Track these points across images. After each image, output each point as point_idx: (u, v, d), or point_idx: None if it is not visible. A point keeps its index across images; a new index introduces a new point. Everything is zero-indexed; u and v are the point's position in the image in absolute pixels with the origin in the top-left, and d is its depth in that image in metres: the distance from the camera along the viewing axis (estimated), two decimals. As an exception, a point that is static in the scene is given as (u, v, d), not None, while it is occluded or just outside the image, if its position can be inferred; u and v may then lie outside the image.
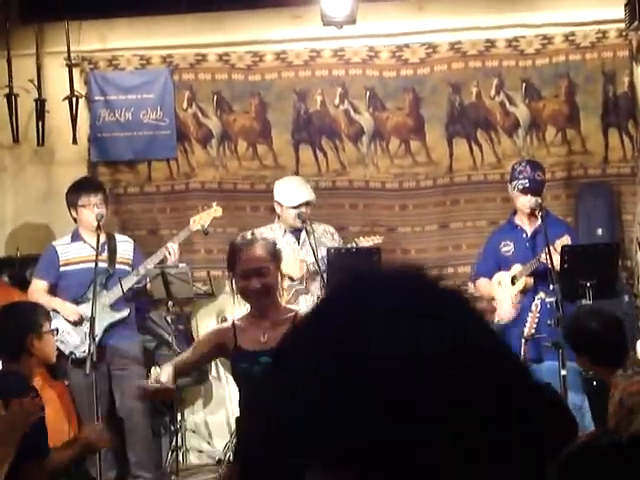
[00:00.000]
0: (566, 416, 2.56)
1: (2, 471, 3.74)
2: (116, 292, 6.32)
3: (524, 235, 6.01)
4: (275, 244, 4.08)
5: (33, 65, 7.25)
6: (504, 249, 6.08)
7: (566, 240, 5.72)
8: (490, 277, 6.10)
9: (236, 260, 3.87)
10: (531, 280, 5.89)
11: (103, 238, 6.37)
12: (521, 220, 6.05)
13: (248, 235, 6.21)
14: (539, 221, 5.81)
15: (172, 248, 6.37)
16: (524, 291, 5.90)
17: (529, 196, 5.89)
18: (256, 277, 3.81)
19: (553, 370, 5.31)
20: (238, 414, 4.07)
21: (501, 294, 5.94)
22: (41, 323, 4.47)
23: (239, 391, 4.00)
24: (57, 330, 5.03)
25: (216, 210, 6.61)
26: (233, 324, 3.95)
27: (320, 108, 7.31)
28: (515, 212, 6.11)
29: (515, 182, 5.93)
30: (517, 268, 5.93)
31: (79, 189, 6.50)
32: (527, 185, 5.87)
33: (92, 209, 6.33)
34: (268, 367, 3.58)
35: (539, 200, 5.81)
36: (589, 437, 1.86)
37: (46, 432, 4.40)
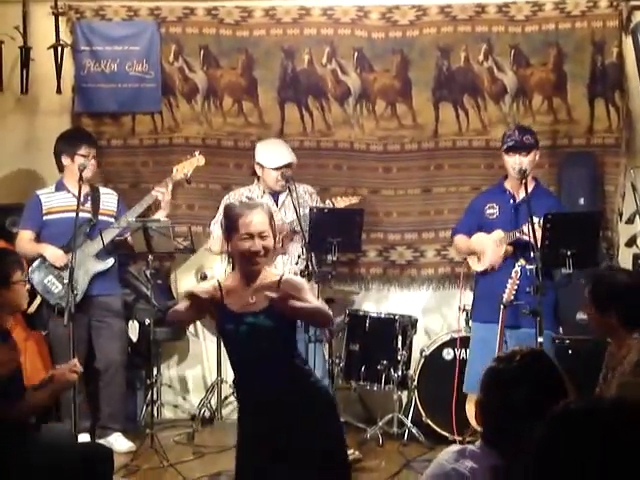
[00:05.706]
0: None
1: None
2: (100, 242, 6.32)
3: (511, 201, 5.96)
4: (270, 208, 4.10)
5: (19, 12, 7.15)
6: (489, 211, 6.05)
7: None
8: (469, 236, 6.11)
9: (237, 223, 3.91)
10: (511, 248, 5.88)
11: (87, 189, 6.37)
12: (511, 186, 6.01)
13: (235, 195, 6.19)
14: (530, 189, 5.77)
15: (161, 192, 6.38)
16: (504, 258, 5.90)
17: (516, 157, 5.84)
18: (259, 239, 3.88)
19: (529, 337, 5.31)
20: (233, 377, 4.10)
21: (485, 242, 5.94)
22: (10, 273, 4.45)
23: (227, 350, 4.10)
24: (27, 280, 5.03)
25: (199, 159, 6.55)
26: (219, 284, 3.97)
27: (307, 67, 7.26)
28: (506, 177, 6.07)
29: (504, 146, 5.92)
30: (499, 234, 5.90)
31: (81, 138, 6.53)
32: (511, 144, 5.85)
33: (89, 161, 6.37)
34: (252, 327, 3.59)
35: (525, 168, 5.76)
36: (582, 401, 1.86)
37: (22, 381, 4.41)
